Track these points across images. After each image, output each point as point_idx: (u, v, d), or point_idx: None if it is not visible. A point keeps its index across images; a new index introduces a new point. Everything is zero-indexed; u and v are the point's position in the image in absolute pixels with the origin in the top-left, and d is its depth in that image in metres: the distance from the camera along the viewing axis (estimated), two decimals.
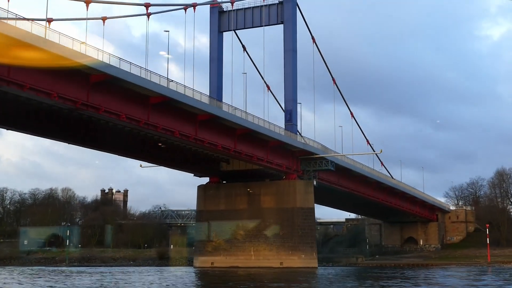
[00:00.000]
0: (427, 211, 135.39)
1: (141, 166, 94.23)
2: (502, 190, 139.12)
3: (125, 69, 52.99)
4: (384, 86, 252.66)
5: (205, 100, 65.97)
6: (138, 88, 54.67)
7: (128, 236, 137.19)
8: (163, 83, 58.35)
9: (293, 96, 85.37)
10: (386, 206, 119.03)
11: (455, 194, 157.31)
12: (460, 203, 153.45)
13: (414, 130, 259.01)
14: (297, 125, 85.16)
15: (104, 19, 59.44)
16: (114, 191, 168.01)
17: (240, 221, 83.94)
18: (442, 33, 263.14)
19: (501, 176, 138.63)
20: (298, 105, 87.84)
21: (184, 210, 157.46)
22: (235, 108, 71.14)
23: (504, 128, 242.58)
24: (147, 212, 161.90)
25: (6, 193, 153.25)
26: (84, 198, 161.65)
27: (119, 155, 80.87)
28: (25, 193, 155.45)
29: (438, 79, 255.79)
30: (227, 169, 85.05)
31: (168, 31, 69.00)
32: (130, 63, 53.94)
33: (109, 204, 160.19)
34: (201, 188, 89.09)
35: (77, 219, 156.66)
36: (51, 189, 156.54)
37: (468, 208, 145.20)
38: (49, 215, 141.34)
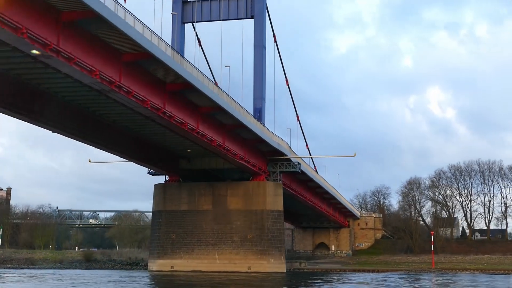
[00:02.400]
0: (342, 217, 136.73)
1: (89, 161, 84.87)
2: (412, 199, 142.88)
3: None
4: None
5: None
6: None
7: (26, 236, 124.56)
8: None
9: (262, 94, 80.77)
10: (317, 212, 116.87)
11: (359, 202, 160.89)
12: (362, 211, 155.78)
13: None
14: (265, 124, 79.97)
15: None
16: None
17: (204, 222, 78.12)
18: (292, 41, 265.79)
19: (410, 185, 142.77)
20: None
21: (85, 211, 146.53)
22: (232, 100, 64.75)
23: (348, 138, 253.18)
24: (37, 211, 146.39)
25: None
26: None
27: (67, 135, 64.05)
28: None
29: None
30: (187, 167, 79.00)
31: None
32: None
33: None
34: (159, 186, 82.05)
35: None
36: None
37: (376, 215, 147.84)
38: None
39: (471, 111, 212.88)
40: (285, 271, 77.85)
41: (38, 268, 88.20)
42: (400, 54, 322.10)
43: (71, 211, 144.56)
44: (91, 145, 66.04)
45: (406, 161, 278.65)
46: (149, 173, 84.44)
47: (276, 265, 76.41)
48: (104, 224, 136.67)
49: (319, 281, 67.34)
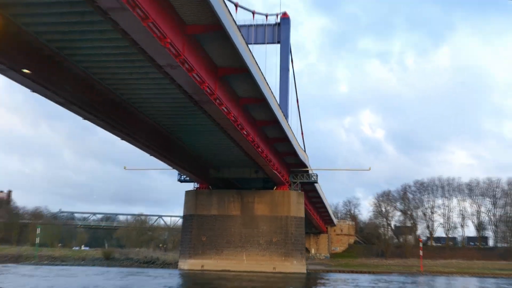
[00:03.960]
0: (323, 224, 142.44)
1: (125, 168, 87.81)
2: (385, 209, 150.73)
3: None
4: None
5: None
6: None
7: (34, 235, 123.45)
8: None
9: (286, 112, 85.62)
10: (312, 220, 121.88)
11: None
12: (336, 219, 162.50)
13: None
14: None
15: None
16: None
17: (232, 226, 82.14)
18: None
19: (382, 197, 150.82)
20: None
21: (93, 213, 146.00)
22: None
23: None
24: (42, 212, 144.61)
25: None
26: None
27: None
28: None
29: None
30: (216, 176, 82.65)
31: None
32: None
33: None
34: (191, 193, 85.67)
35: None
36: None
37: (350, 222, 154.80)
38: None
39: (398, 132, 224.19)
40: (305, 271, 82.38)
41: (70, 265, 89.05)
42: (337, 80, 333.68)
43: (72, 212, 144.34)
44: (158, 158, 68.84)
45: (343, 176, 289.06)
46: (179, 180, 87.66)
47: (298, 266, 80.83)
48: (115, 226, 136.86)
49: (338, 282, 71.65)
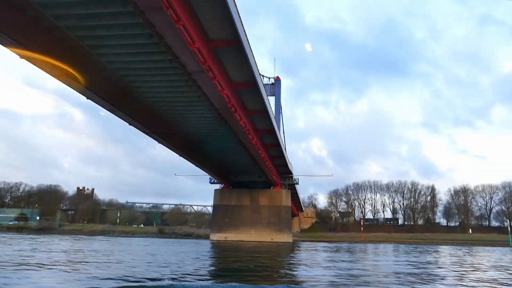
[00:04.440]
0: (297, 210, 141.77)
1: (176, 174, 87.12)
2: (334, 201, 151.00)
3: None
4: None
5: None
6: None
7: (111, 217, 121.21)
8: None
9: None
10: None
11: None
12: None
13: None
14: None
15: None
16: (85, 188, 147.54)
17: (244, 212, 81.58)
18: None
19: (334, 192, 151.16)
20: None
21: (146, 203, 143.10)
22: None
23: None
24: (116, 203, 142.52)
25: (21, 185, 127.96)
26: (67, 191, 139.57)
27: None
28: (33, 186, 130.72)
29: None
30: (234, 180, 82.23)
31: None
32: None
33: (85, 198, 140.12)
34: (218, 191, 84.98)
35: (64, 207, 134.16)
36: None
37: (312, 209, 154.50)
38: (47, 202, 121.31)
39: (335, 152, 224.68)
40: (292, 241, 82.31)
41: (138, 237, 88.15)
42: (297, 119, 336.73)
43: (134, 202, 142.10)
44: (192, 163, 63.65)
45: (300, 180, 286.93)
46: (210, 182, 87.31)
47: (287, 238, 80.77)
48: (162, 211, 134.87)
49: (309, 246, 71.85)
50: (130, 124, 43.89)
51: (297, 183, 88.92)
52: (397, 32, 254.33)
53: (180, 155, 58.35)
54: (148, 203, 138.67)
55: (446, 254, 47.13)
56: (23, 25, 25.94)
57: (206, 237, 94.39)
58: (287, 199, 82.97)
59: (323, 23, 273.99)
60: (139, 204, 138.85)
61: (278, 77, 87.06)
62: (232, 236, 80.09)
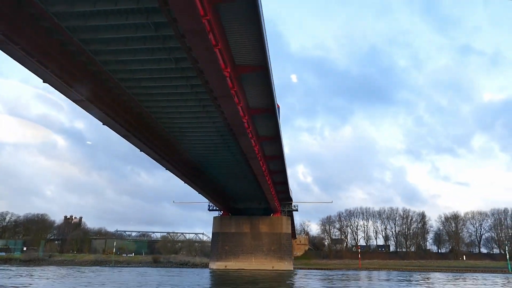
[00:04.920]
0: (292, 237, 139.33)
1: (173, 202, 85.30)
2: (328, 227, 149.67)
3: None
4: None
5: None
6: None
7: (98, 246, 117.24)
8: None
9: None
10: None
11: None
12: None
13: None
14: None
15: None
16: (73, 217, 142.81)
17: (245, 239, 79.93)
18: None
19: (327, 219, 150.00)
20: None
21: (134, 231, 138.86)
22: None
23: None
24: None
25: (7, 215, 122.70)
26: (53, 220, 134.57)
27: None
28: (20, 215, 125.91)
29: None
30: (233, 206, 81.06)
31: None
32: None
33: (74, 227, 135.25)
34: (217, 218, 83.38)
35: (51, 236, 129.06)
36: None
37: (305, 236, 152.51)
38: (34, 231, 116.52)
39: (320, 178, 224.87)
40: (292, 269, 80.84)
41: (134, 267, 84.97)
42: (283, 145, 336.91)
43: (124, 231, 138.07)
44: (196, 189, 62.56)
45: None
46: (208, 209, 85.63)
47: (288, 265, 79.14)
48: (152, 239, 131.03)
49: (312, 273, 70.56)
50: (141, 150, 43.48)
51: (297, 210, 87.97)
52: (380, 60, 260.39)
53: (185, 182, 57.61)
54: (138, 232, 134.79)
55: (465, 282, 46.57)
56: (49, 49, 25.38)
57: (203, 265, 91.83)
58: (287, 226, 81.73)
59: (308, 50, 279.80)
60: (128, 233, 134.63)
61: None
62: (232, 264, 78.00)
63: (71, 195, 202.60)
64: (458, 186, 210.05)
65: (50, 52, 25.48)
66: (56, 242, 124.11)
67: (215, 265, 79.35)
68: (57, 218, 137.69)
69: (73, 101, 30.89)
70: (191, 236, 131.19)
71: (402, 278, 54.22)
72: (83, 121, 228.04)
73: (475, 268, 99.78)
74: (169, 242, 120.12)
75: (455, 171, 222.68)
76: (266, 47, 25.39)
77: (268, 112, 36.57)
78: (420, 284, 41.32)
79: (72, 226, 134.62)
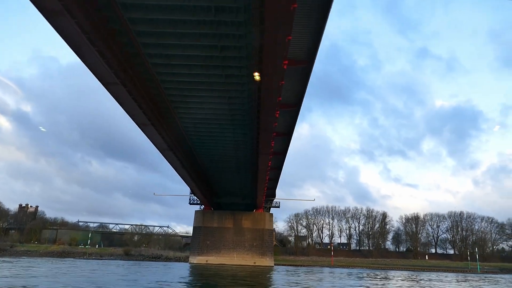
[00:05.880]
0: None
1: (154, 194, 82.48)
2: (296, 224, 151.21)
3: None
4: None
5: None
6: None
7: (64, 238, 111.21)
8: None
9: None
10: None
11: None
12: None
13: None
14: None
15: None
16: (29, 205, 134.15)
17: (227, 234, 78.98)
18: None
19: (295, 216, 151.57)
20: None
21: (94, 222, 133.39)
22: None
23: None
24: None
25: None
26: (8, 209, 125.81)
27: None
28: None
29: None
30: (217, 201, 79.61)
31: None
32: None
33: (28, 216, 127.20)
34: (199, 212, 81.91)
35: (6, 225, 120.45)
36: None
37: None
38: None
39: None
40: (273, 265, 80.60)
41: (106, 259, 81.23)
42: None
43: (87, 222, 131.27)
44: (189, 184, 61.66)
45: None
46: (190, 203, 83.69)
47: (269, 261, 79.24)
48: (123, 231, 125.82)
49: (294, 270, 70.98)
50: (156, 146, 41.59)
51: (279, 206, 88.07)
52: (340, 58, 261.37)
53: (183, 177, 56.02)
54: (102, 223, 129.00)
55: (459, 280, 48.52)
56: (98, 25, 23.58)
57: (177, 259, 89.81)
58: (270, 223, 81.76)
59: None
60: (85, 224, 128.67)
61: None
62: (213, 259, 76.93)
63: (16, 181, 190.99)
64: (407, 188, 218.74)
65: (100, 29, 23.50)
66: (11, 231, 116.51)
67: (196, 259, 77.93)
68: (9, 206, 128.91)
69: (105, 84, 28.80)
70: (158, 229, 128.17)
71: (401, 277, 55.65)
72: (30, 104, 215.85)
73: (441, 268, 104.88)
74: (144, 234, 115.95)
75: (405, 173, 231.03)
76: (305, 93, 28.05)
77: (293, 108, 36.67)
78: (442, 281, 42.58)
79: (28, 215, 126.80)
